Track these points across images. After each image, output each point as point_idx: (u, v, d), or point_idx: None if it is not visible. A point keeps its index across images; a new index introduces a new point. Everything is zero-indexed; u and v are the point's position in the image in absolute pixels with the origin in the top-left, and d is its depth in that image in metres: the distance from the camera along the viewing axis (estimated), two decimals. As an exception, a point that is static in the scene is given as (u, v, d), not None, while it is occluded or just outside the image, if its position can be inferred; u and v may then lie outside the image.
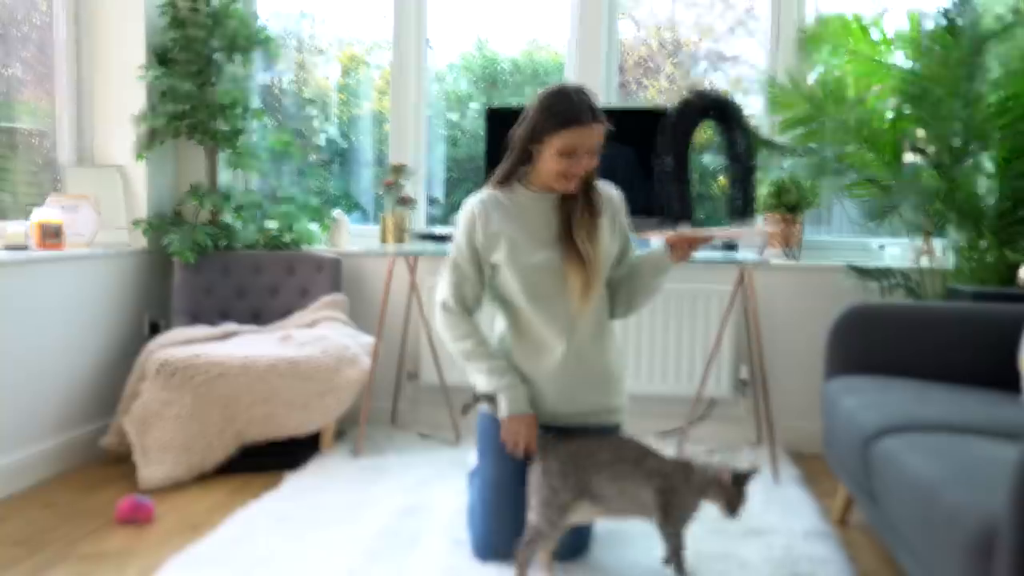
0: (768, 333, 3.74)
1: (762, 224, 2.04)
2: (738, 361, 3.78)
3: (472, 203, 2.41)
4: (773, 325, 3.76)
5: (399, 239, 3.87)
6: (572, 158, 2.25)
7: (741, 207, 2.09)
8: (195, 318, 3.72)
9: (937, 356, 2.82)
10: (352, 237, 4.13)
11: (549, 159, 2.28)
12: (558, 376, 2.39)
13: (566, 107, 2.22)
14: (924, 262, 3.57)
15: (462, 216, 2.42)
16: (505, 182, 2.41)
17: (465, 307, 2.44)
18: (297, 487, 3.04)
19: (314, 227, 4.04)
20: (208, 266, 3.80)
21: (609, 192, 2.48)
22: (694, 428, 3.73)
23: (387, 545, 2.52)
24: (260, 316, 3.83)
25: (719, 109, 2.10)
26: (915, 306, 2.90)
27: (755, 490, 3.07)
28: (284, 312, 3.81)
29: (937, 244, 3.62)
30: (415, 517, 2.75)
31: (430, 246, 3.55)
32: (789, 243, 3.73)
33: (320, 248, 4.02)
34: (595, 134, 2.24)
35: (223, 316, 3.77)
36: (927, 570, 1.87)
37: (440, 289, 2.48)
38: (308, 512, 2.79)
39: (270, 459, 3.28)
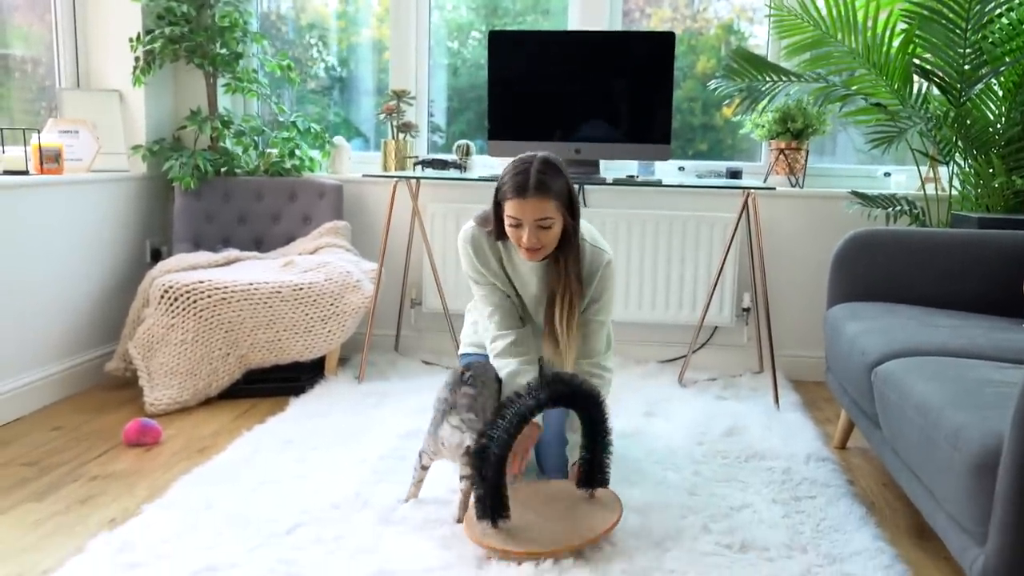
0: (771, 261, 3.73)
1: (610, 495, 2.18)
2: (741, 289, 3.77)
3: (462, 240, 2.44)
4: (776, 253, 3.74)
5: (401, 166, 3.83)
6: (519, 228, 2.24)
7: (590, 478, 2.16)
8: (197, 244, 3.70)
9: (941, 283, 2.81)
10: (353, 164, 4.08)
11: (506, 226, 2.28)
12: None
13: (515, 178, 2.21)
14: (930, 189, 3.54)
15: (460, 249, 2.46)
16: (500, 237, 2.37)
17: (512, 326, 2.45)
18: (302, 411, 3.06)
19: (315, 154, 4.00)
20: (209, 192, 3.76)
21: (596, 258, 2.40)
22: (696, 356, 3.74)
23: (392, 467, 2.53)
24: (262, 243, 3.81)
25: (570, 400, 2.08)
26: (920, 233, 2.88)
27: (756, 416, 3.09)
28: (286, 239, 3.79)
29: (943, 172, 3.59)
30: (418, 440, 2.75)
31: (433, 172, 3.51)
32: (793, 170, 3.69)
33: (321, 175, 3.98)
34: (537, 209, 2.19)
35: (225, 242, 3.75)
36: (929, 491, 1.88)
37: (487, 329, 2.49)
38: (313, 435, 2.81)
39: (275, 384, 3.29)
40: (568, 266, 2.31)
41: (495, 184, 2.31)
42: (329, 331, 3.32)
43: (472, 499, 2.04)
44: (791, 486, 2.46)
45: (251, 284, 3.20)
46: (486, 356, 2.51)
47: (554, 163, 2.25)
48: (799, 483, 2.48)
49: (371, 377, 3.50)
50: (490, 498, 1.99)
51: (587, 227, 2.43)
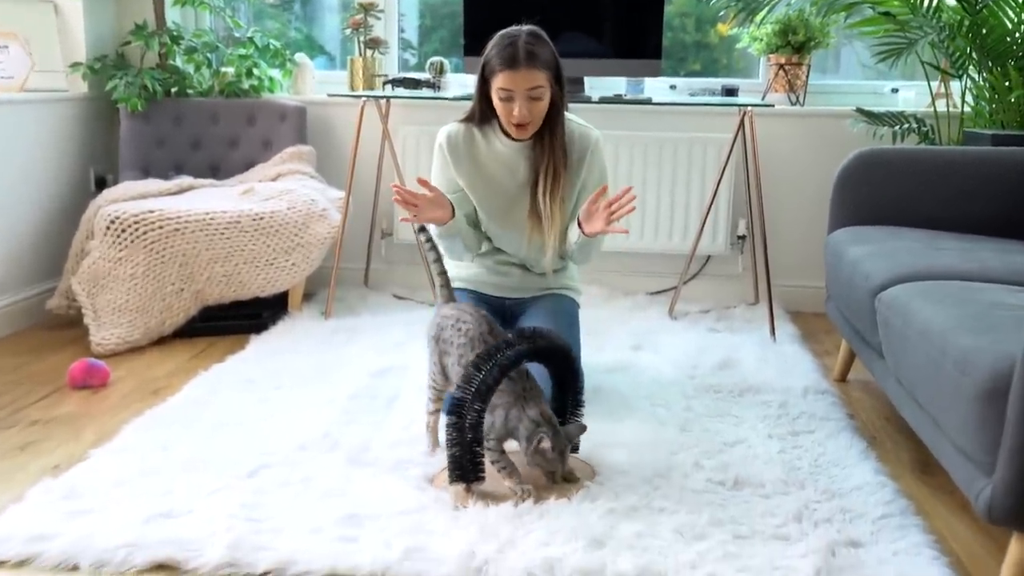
0: (768, 185, 3.69)
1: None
2: (736, 215, 3.75)
3: (440, 139, 2.54)
4: (773, 176, 3.70)
5: (370, 85, 3.75)
6: (511, 102, 2.35)
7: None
8: (146, 172, 3.63)
9: (951, 204, 2.79)
10: (317, 84, 4.00)
11: (496, 101, 2.39)
12: (514, 280, 2.64)
13: (504, 51, 2.33)
14: (940, 106, 3.50)
15: (435, 151, 2.57)
16: (484, 122, 2.51)
17: None
18: (264, 350, 3.03)
19: (275, 73, 3.91)
20: (158, 115, 3.68)
21: (585, 135, 2.52)
22: (687, 287, 3.72)
23: (363, 407, 2.52)
24: (219, 170, 3.74)
25: (548, 354, 2.07)
26: (929, 151, 2.86)
27: (751, 348, 3.09)
28: (245, 165, 3.73)
29: (955, 86, 3.55)
30: (391, 378, 2.75)
31: (404, 91, 3.44)
32: (794, 87, 3.64)
33: (283, 96, 3.90)
34: (528, 79, 2.32)
35: (177, 169, 3.68)
36: (934, 421, 1.88)
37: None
38: (277, 375, 2.78)
39: (234, 322, 3.26)
40: (554, 138, 2.44)
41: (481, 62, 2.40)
42: (292, 264, 3.28)
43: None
44: (788, 420, 2.46)
45: (207, 214, 3.15)
46: (471, 291, 2.60)
47: (540, 34, 2.39)
48: (796, 417, 2.49)
49: (339, 313, 3.47)
50: (466, 458, 1.97)
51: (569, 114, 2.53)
